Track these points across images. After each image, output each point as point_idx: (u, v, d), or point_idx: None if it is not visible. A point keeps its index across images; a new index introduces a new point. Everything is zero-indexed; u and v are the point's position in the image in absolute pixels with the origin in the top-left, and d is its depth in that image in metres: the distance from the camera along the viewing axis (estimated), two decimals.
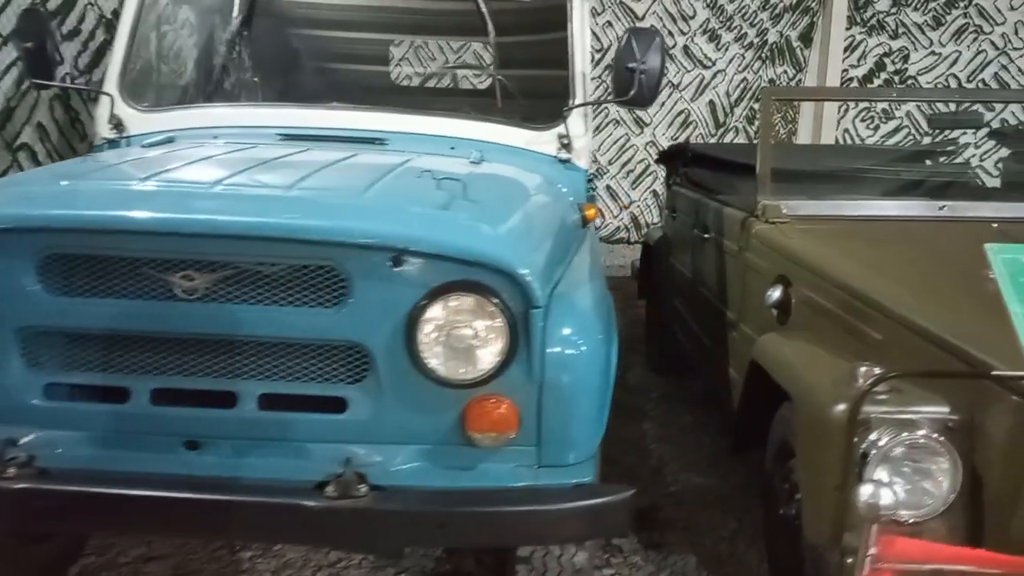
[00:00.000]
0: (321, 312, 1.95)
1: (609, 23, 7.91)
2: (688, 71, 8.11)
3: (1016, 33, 8.08)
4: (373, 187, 2.16)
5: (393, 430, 2.00)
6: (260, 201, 2.03)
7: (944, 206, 3.26)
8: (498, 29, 3.25)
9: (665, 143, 7.61)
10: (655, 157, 6.90)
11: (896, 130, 8.22)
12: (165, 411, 2.01)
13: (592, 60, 7.34)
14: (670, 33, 7.93)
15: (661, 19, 7.99)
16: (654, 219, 7.81)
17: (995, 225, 3.07)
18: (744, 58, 8.14)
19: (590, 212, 2.98)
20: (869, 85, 8.17)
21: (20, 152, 4.50)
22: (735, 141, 8.03)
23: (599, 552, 2.95)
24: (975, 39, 8.10)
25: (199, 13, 3.53)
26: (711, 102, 8.18)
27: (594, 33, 7.72)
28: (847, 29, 8.02)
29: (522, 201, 2.43)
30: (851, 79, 8.19)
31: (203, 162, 2.40)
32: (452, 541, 2.34)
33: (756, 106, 7.64)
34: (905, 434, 1.97)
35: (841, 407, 2.02)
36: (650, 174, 8.09)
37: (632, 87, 2.85)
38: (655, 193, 7.99)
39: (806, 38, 8.11)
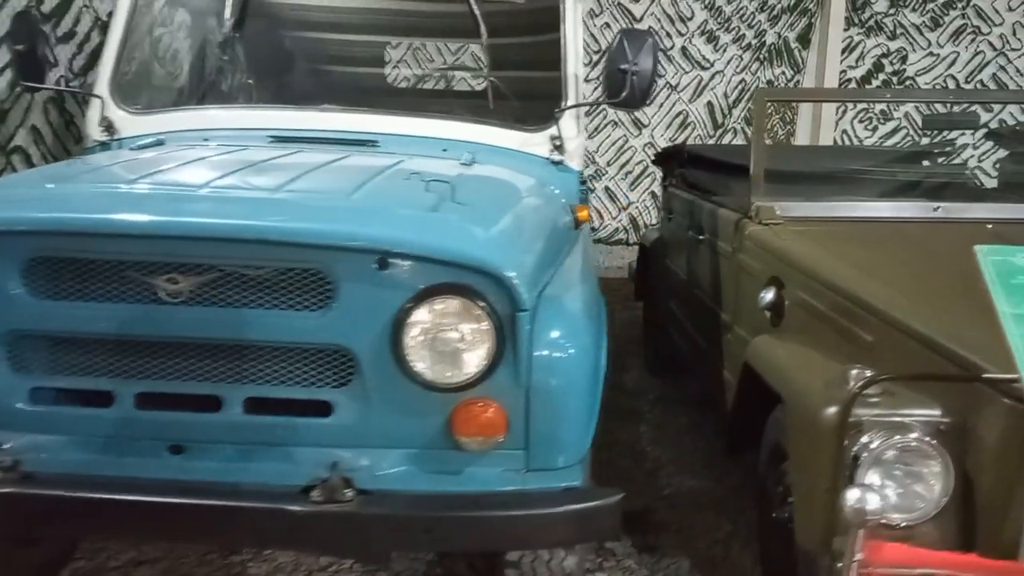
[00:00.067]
0: (307, 315, 1.94)
1: (607, 24, 7.88)
2: (686, 72, 8.09)
3: (1014, 34, 8.05)
4: (360, 189, 2.15)
5: (380, 434, 1.99)
6: (245, 204, 2.02)
7: (938, 207, 3.25)
8: (491, 31, 3.24)
9: (663, 144, 7.58)
10: (652, 158, 6.89)
11: (894, 131, 8.19)
12: (150, 415, 1.99)
13: (590, 62, 7.39)
14: (668, 34, 7.90)
15: (659, 20, 7.97)
16: (653, 220, 7.78)
17: (990, 226, 3.06)
18: (742, 59, 8.11)
19: (582, 214, 2.97)
20: (867, 86, 8.15)
21: (14, 155, 4.50)
22: (733, 142, 8.01)
23: (591, 555, 2.94)
24: (973, 40, 8.07)
25: (191, 15, 3.52)
26: (709, 103, 8.16)
27: (592, 34, 7.71)
28: (845, 30, 8.00)
29: (511, 203, 2.41)
30: (849, 80, 8.16)
31: (191, 164, 2.39)
32: (439, 546, 2.32)
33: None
34: (897, 437, 1.96)
35: (832, 410, 2.00)
36: (649, 175, 8.06)
37: (624, 88, 2.83)
38: (654, 195, 7.97)
39: (804, 39, 8.09)
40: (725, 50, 8.08)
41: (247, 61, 3.43)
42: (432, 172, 2.38)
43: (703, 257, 3.85)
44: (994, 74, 8.13)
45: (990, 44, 8.08)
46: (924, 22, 8.07)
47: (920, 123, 7.68)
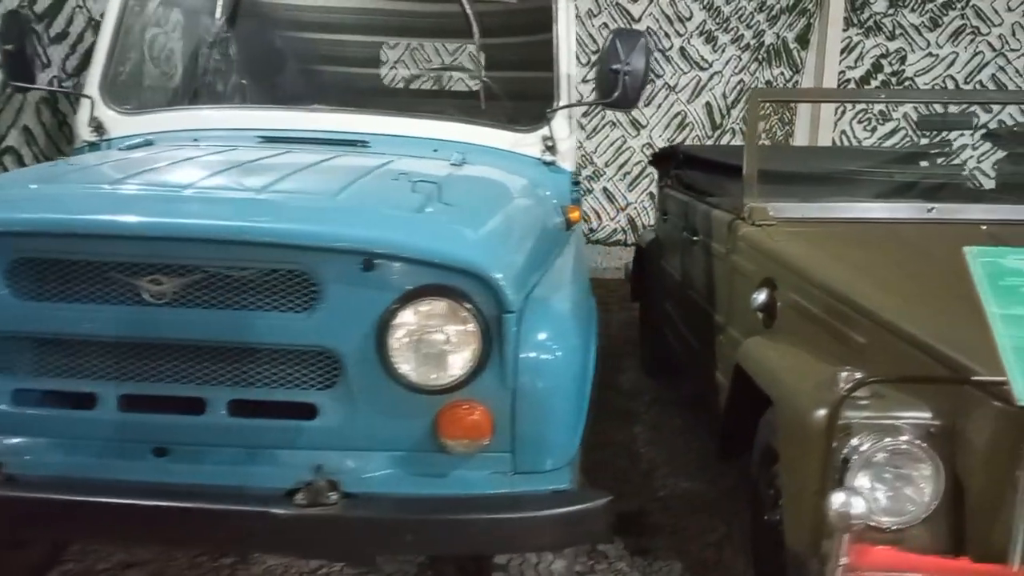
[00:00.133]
0: (291, 317, 1.92)
1: (605, 24, 7.86)
2: (684, 73, 8.07)
3: (1013, 34, 8.02)
4: (346, 190, 2.13)
5: (365, 437, 1.97)
6: (229, 204, 2.01)
7: (933, 208, 3.23)
8: (483, 31, 3.22)
9: (662, 145, 7.57)
10: (648, 159, 6.88)
11: (893, 132, 8.17)
12: (134, 417, 1.98)
13: (588, 62, 7.37)
14: (666, 35, 7.88)
15: (657, 21, 7.95)
16: (651, 221, 7.77)
17: (984, 227, 3.03)
18: (741, 60, 8.09)
19: (574, 215, 2.95)
20: (866, 86, 8.13)
21: (6, 156, 4.48)
22: (732, 143, 7.99)
23: (584, 558, 2.92)
24: (972, 40, 8.05)
25: (182, 16, 3.51)
26: (708, 104, 8.14)
27: (590, 35, 7.69)
28: (844, 30, 7.97)
29: (500, 204, 2.40)
30: (848, 80, 8.14)
31: (178, 165, 2.38)
32: (424, 549, 2.31)
33: None
34: (887, 440, 1.94)
35: (821, 412, 1.99)
36: (647, 176, 8.04)
37: (617, 89, 2.82)
38: (652, 195, 7.94)
39: (803, 40, 8.07)
40: (724, 50, 8.06)
41: (238, 61, 3.41)
42: (420, 172, 2.37)
43: (697, 258, 3.83)
44: (993, 75, 8.11)
45: (989, 44, 8.06)
46: (923, 22, 8.05)
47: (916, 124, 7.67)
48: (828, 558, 1.78)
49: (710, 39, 8.03)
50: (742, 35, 8.04)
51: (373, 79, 4.09)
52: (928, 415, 1.97)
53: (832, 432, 1.94)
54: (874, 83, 8.16)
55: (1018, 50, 8.08)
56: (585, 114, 7.69)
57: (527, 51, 3.41)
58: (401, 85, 4.84)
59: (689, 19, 8.00)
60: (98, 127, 2.96)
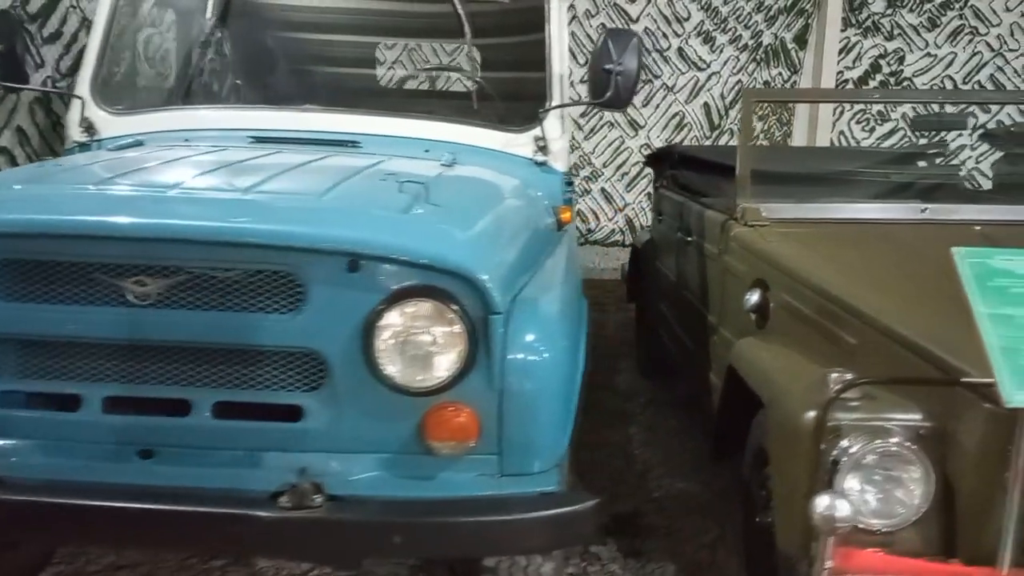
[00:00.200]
0: (277, 318, 1.91)
1: (603, 25, 7.85)
2: (683, 73, 8.05)
3: (1012, 35, 8.01)
4: (332, 190, 2.12)
5: (350, 439, 1.96)
6: (213, 205, 1.99)
7: (926, 209, 3.21)
8: (475, 31, 3.21)
9: (660, 146, 7.56)
10: (644, 159, 6.87)
11: (891, 132, 8.16)
12: (118, 419, 1.97)
13: (586, 63, 7.35)
14: (664, 35, 7.88)
15: (655, 21, 7.94)
16: (648, 222, 7.76)
17: (978, 228, 3.02)
18: (739, 60, 8.08)
19: (566, 215, 2.94)
20: (865, 87, 8.11)
21: None
22: (730, 143, 7.98)
23: (576, 560, 2.91)
24: (971, 41, 8.04)
25: (173, 16, 3.50)
26: (706, 104, 8.13)
27: (588, 35, 7.68)
28: (842, 31, 7.97)
29: (489, 204, 2.38)
30: (846, 81, 8.13)
31: (166, 165, 2.37)
32: (411, 552, 2.29)
33: None
34: (877, 442, 1.93)
35: (810, 413, 1.98)
36: (645, 176, 8.03)
37: (609, 88, 2.81)
38: (650, 196, 7.94)
39: (801, 40, 8.06)
40: (722, 51, 8.05)
41: (229, 61, 3.40)
42: (409, 173, 2.35)
43: (691, 259, 3.82)
44: (991, 75, 8.10)
45: (988, 45, 8.05)
46: (921, 23, 8.04)
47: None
48: (815, 561, 1.76)
49: (708, 39, 8.02)
50: (740, 35, 8.03)
51: (365, 79, 4.08)
52: (918, 417, 1.96)
53: (821, 434, 1.93)
54: (872, 83, 8.15)
55: (1016, 50, 8.07)
56: (583, 115, 7.68)
57: (520, 51, 3.40)
58: (394, 85, 4.84)
59: (687, 19, 7.99)
60: (89, 127, 2.95)
